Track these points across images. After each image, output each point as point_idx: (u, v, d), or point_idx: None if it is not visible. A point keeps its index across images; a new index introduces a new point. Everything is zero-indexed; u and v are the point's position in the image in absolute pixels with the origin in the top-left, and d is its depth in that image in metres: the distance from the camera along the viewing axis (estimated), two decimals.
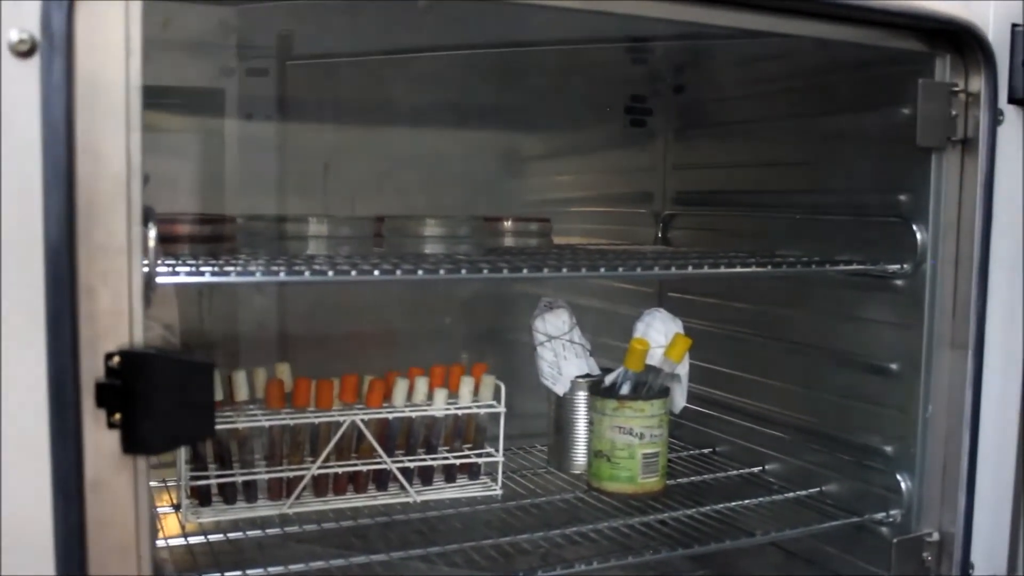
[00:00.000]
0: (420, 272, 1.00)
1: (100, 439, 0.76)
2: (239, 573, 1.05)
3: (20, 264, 0.73)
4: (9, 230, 0.73)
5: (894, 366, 1.28)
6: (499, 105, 1.75)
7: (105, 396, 0.75)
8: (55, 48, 0.72)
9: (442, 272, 1.01)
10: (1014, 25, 1.15)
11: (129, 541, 0.79)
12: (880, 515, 1.27)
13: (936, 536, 1.22)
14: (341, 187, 1.63)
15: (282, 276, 0.95)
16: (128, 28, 0.76)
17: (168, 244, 1.12)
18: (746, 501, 1.36)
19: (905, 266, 1.24)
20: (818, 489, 1.40)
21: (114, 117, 0.76)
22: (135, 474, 0.78)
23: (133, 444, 0.77)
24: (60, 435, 0.74)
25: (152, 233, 0.80)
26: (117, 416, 0.76)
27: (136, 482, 0.79)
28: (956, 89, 1.16)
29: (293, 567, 1.06)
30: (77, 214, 0.73)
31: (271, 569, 1.06)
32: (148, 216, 0.79)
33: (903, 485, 1.25)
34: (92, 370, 0.75)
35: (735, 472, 1.52)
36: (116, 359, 0.76)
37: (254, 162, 1.57)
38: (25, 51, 0.72)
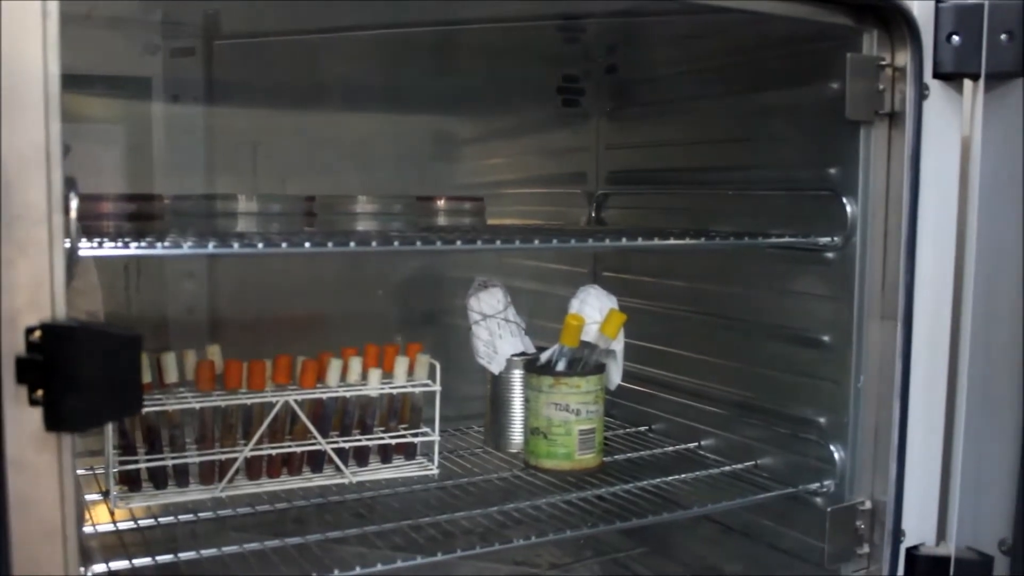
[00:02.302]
0: (352, 244, 0.98)
1: (22, 416, 0.74)
2: (171, 557, 1.03)
3: None
4: None
5: (827, 338, 1.29)
6: (431, 86, 1.73)
7: (26, 372, 0.73)
8: None
9: (375, 244, 1.00)
10: (938, 0, 1.17)
11: (55, 523, 0.77)
12: (814, 485, 1.29)
13: (868, 504, 1.24)
14: (272, 169, 1.60)
15: (211, 248, 0.92)
16: None
17: (93, 222, 1.10)
18: (682, 476, 1.37)
19: (836, 239, 1.25)
20: (753, 463, 1.42)
21: (30, 84, 0.73)
22: (60, 453, 0.76)
23: (56, 421, 0.74)
24: None
25: (74, 203, 0.77)
26: (39, 392, 0.73)
27: (61, 461, 0.76)
28: (883, 63, 1.18)
29: (227, 549, 1.04)
30: None
31: (204, 552, 1.04)
32: (70, 187, 0.77)
33: (836, 455, 1.27)
34: (12, 345, 0.73)
35: (671, 448, 1.53)
36: (37, 333, 0.73)
37: (182, 144, 1.54)
38: None
